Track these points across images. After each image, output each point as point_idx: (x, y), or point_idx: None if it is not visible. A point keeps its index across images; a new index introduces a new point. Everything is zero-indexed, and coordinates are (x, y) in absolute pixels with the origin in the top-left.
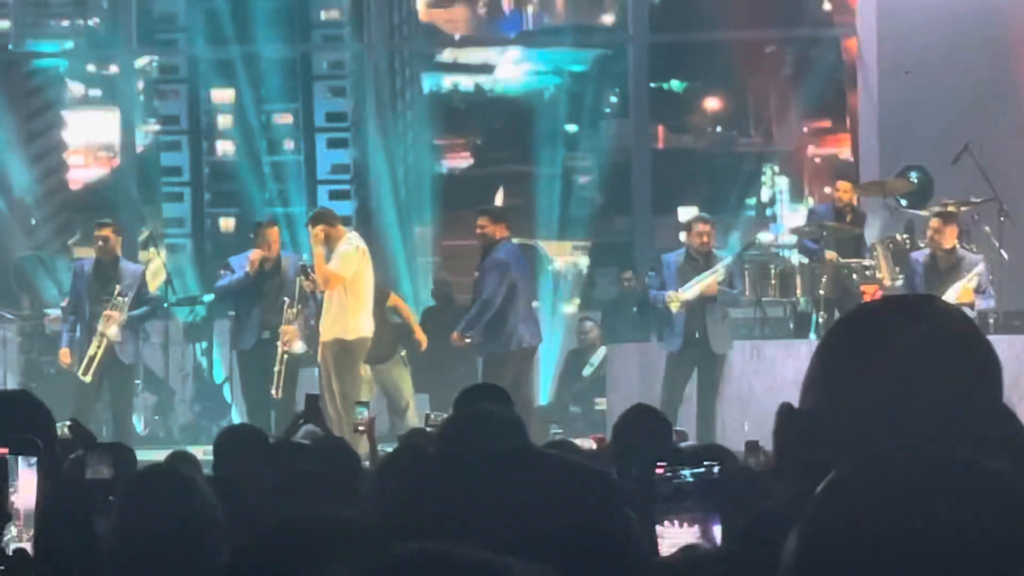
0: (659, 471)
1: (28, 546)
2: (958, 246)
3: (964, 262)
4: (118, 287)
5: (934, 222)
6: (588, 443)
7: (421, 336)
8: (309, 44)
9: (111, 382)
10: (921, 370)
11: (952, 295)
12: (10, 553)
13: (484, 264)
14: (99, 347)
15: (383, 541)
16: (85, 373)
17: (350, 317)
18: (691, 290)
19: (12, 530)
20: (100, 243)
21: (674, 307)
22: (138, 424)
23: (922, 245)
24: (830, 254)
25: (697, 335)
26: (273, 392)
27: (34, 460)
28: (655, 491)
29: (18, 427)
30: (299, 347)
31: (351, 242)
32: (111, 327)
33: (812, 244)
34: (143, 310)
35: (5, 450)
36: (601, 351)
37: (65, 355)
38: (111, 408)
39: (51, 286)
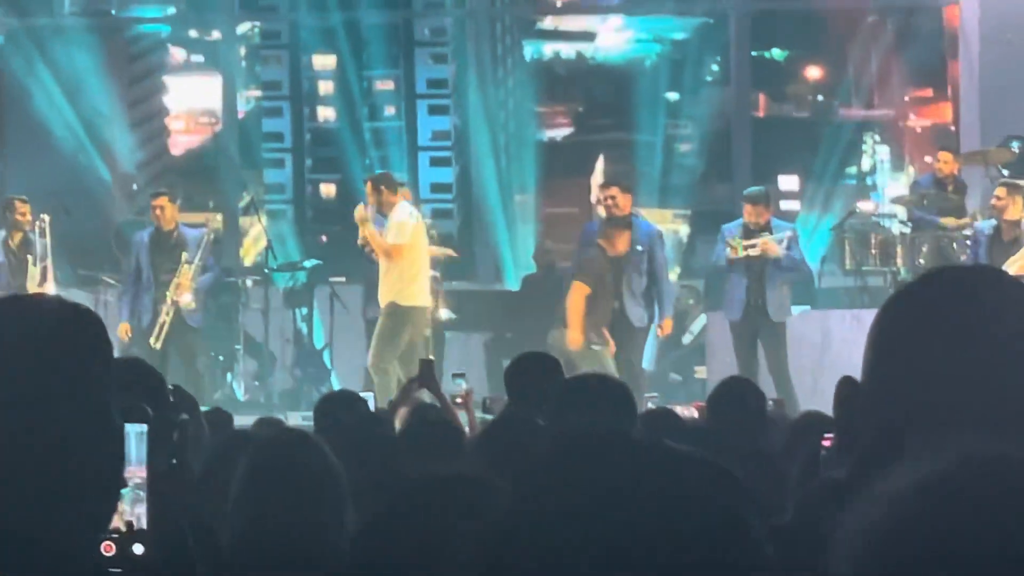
0: (826, 443)
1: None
2: None
3: None
4: (184, 254)
5: (999, 191)
6: (689, 411)
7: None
8: (411, 10)
9: (179, 347)
10: (974, 346)
11: (1013, 267)
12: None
13: (650, 237)
14: (168, 315)
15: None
16: (156, 341)
17: (407, 284)
18: (754, 248)
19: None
20: (158, 212)
21: (732, 251)
22: (238, 390)
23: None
24: (948, 219)
25: (756, 303)
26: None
27: (143, 428)
28: (824, 464)
29: (132, 395)
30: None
31: (406, 209)
32: (183, 295)
33: (926, 214)
34: (208, 277)
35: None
36: (701, 319)
37: (124, 330)
38: (185, 373)
39: None
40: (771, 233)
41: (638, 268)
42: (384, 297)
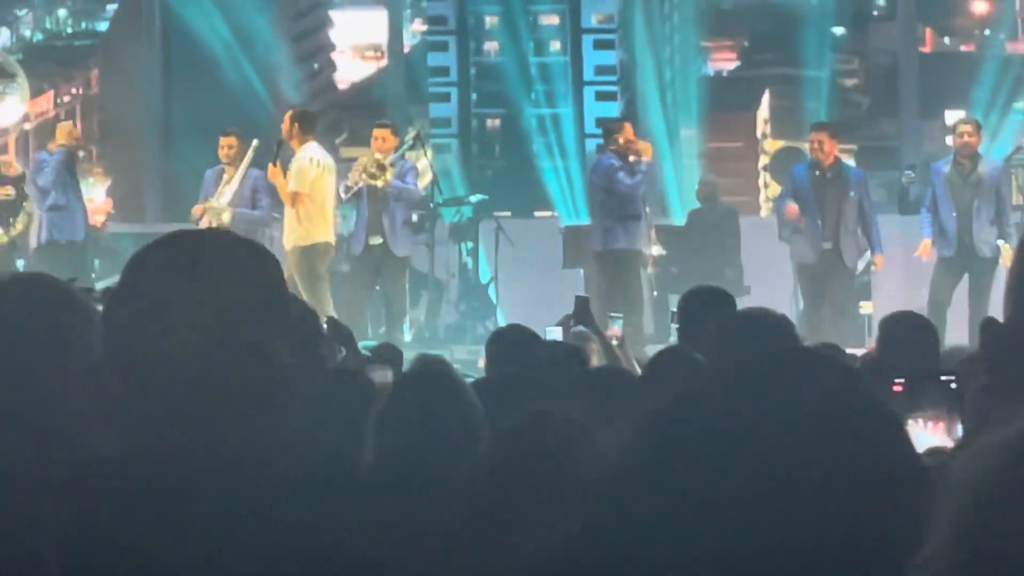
0: (896, 388)
1: None
2: None
3: None
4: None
5: None
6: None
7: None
8: None
9: (385, 275)
10: None
11: None
12: None
13: (860, 181)
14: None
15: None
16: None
17: (307, 224)
18: None
19: None
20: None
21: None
22: (405, 326)
23: None
24: None
25: (967, 241)
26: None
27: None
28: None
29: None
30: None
31: (308, 154)
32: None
33: None
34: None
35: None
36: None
37: None
38: (386, 301)
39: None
40: (979, 159)
41: (852, 210)
42: (288, 240)
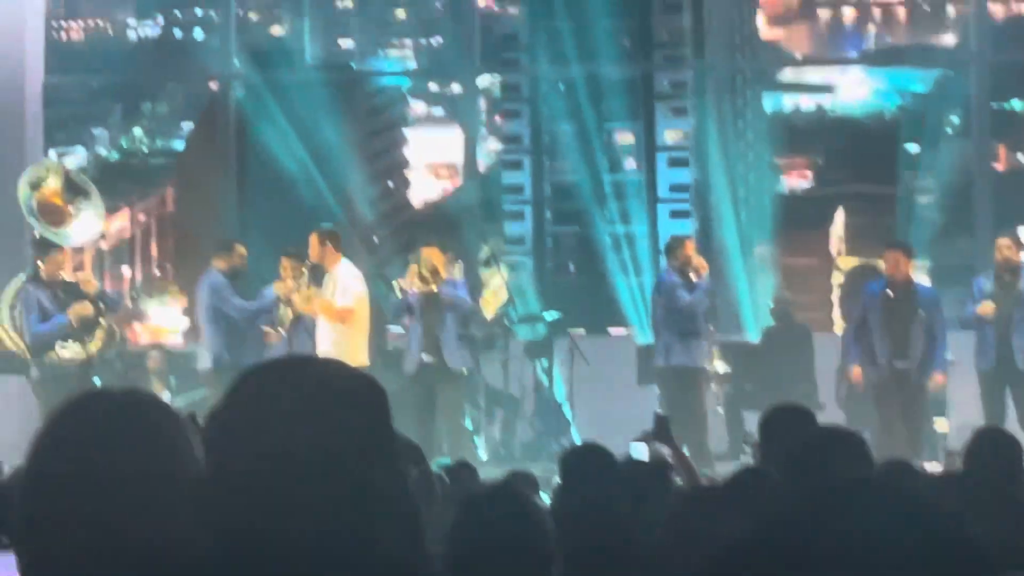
0: None
1: None
2: None
3: None
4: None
5: None
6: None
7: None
8: (651, 63)
9: (441, 391)
10: None
11: None
12: None
13: (930, 300)
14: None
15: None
16: None
17: (351, 344)
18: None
19: None
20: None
21: (984, 311)
22: (479, 445)
23: None
24: None
25: (1005, 354)
26: None
27: None
28: None
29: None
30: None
31: (352, 269)
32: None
33: None
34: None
35: None
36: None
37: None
38: (444, 418)
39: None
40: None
41: (919, 330)
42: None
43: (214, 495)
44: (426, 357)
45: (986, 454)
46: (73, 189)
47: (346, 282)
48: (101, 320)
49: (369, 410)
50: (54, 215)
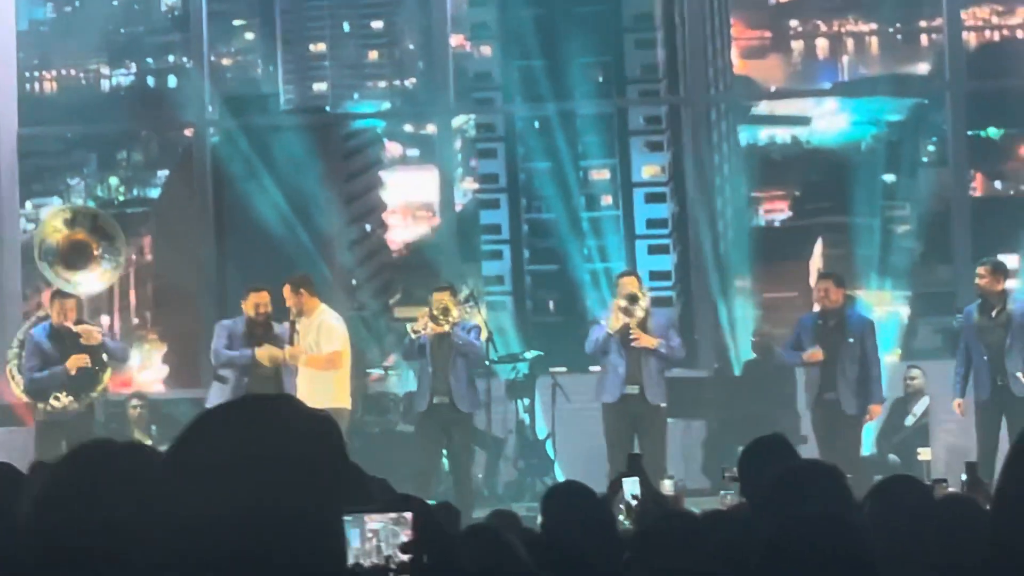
0: None
1: None
2: None
3: None
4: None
5: None
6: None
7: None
8: (625, 99)
9: (455, 434)
10: None
11: None
12: None
13: (861, 327)
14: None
15: None
16: None
17: (337, 387)
18: None
19: None
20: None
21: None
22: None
23: None
24: None
25: (999, 381)
26: None
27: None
28: None
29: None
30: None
31: (331, 312)
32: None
33: None
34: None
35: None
36: (924, 400)
37: None
38: (452, 461)
39: (373, 346)
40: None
41: (851, 357)
42: (316, 402)
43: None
44: (436, 399)
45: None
46: (102, 234)
47: (330, 325)
48: (101, 375)
49: (325, 444)
50: (80, 257)
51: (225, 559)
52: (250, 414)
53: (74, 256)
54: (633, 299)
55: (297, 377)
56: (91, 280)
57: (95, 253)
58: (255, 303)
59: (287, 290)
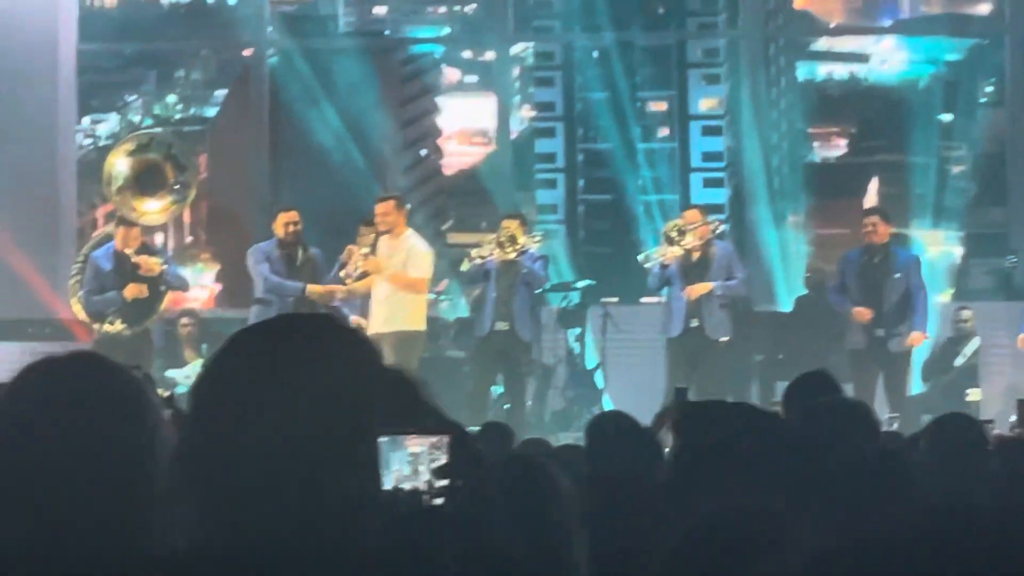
0: None
1: None
2: None
3: None
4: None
5: None
6: None
7: None
8: (684, 31)
9: (511, 360)
10: None
11: None
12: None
13: (907, 263)
14: None
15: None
16: None
17: (417, 310)
18: None
19: None
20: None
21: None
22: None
23: None
24: None
25: None
26: None
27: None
28: None
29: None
30: None
31: (419, 241)
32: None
33: None
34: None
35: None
36: (975, 341)
37: None
38: (508, 385)
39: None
40: None
41: (897, 292)
42: (395, 324)
43: (192, 470)
44: (499, 325)
45: None
46: (176, 162)
47: (421, 251)
48: (157, 304)
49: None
50: (151, 183)
51: (253, 481)
52: (288, 332)
53: (146, 181)
54: (680, 232)
55: (374, 294)
56: (155, 209)
57: (168, 181)
58: (284, 222)
59: (392, 204)
